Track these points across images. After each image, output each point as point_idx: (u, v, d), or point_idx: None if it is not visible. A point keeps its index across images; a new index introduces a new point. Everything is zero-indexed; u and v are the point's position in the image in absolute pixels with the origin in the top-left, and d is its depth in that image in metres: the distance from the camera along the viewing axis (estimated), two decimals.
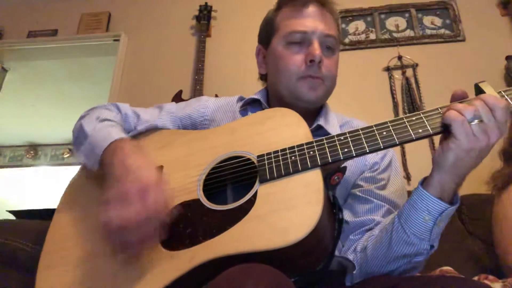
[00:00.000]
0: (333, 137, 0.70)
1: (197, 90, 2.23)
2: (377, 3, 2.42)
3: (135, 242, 0.65)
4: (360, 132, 0.69)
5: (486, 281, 0.92)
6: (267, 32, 0.98)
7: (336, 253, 0.77)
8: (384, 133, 0.67)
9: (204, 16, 2.47)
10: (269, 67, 0.99)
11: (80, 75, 3.26)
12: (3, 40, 2.74)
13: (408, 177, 1.97)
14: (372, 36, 2.35)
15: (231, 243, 0.63)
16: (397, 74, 2.25)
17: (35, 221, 1.10)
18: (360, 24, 2.40)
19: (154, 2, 2.71)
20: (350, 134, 0.69)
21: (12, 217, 1.74)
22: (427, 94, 2.15)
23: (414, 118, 0.67)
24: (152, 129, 0.94)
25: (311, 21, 0.90)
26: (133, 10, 2.71)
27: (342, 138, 0.69)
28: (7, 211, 1.86)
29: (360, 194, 0.87)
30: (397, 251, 0.72)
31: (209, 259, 0.62)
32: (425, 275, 0.73)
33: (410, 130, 0.66)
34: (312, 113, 0.96)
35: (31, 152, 4.16)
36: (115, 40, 2.60)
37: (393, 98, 2.18)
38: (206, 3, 2.51)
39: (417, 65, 2.24)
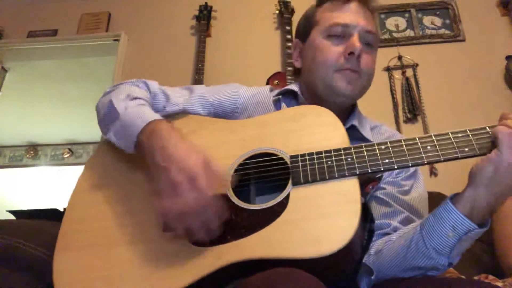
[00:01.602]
0: (373, 145, 0.67)
1: None
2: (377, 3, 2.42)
3: (199, 227, 0.63)
4: (403, 143, 0.66)
5: (486, 281, 0.92)
6: (306, 26, 0.96)
7: None
8: (429, 147, 0.64)
9: (204, 16, 2.47)
10: (306, 59, 0.95)
11: (80, 75, 3.25)
12: (3, 40, 2.74)
13: None
14: None
15: (262, 246, 0.61)
16: (397, 74, 2.24)
17: (35, 221, 1.10)
18: None
19: (154, 2, 2.70)
20: (392, 145, 0.66)
21: (12, 217, 1.74)
22: (427, 94, 2.13)
23: (460, 135, 0.64)
24: (179, 113, 0.90)
25: (353, 15, 0.89)
26: (133, 10, 2.71)
27: (383, 147, 0.66)
28: (7, 211, 1.86)
29: (382, 197, 0.85)
30: (413, 261, 0.70)
31: (238, 260, 0.61)
32: (425, 276, 0.73)
33: (456, 147, 0.63)
34: (344, 111, 0.93)
35: (31, 152, 4.15)
36: (115, 40, 2.60)
37: (393, 98, 2.18)
38: (206, 3, 2.51)
39: (417, 65, 2.23)
